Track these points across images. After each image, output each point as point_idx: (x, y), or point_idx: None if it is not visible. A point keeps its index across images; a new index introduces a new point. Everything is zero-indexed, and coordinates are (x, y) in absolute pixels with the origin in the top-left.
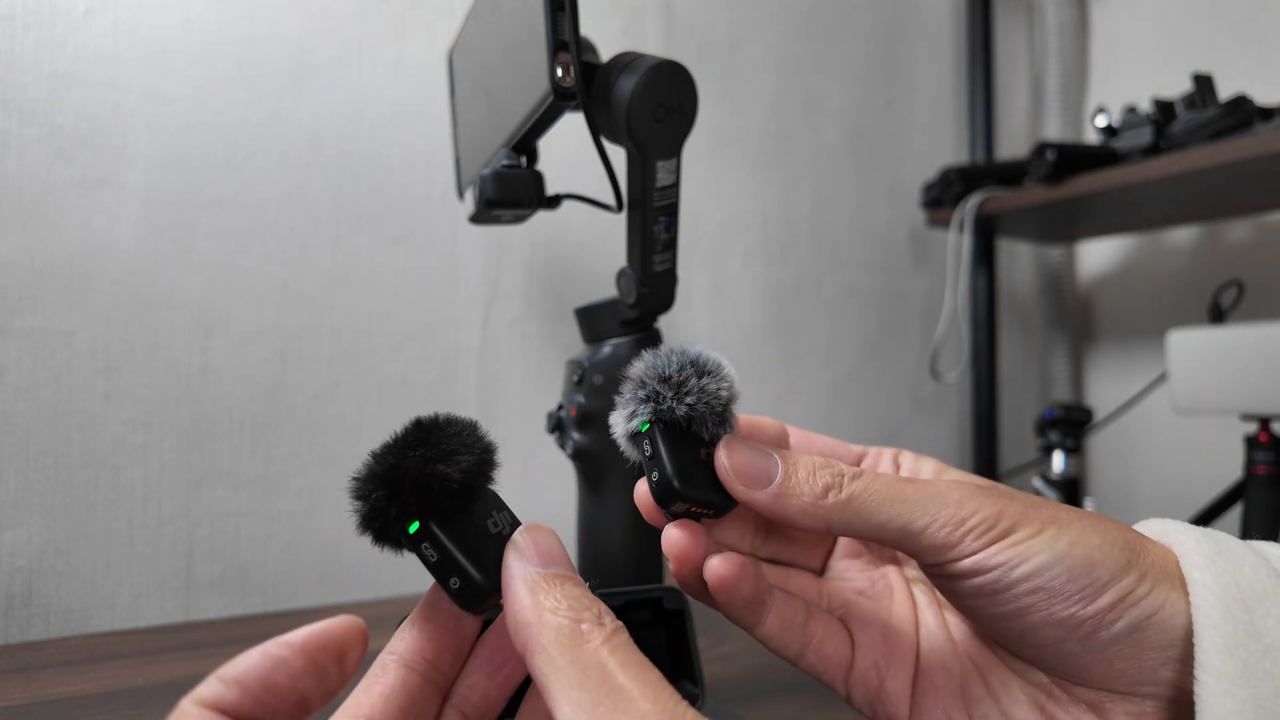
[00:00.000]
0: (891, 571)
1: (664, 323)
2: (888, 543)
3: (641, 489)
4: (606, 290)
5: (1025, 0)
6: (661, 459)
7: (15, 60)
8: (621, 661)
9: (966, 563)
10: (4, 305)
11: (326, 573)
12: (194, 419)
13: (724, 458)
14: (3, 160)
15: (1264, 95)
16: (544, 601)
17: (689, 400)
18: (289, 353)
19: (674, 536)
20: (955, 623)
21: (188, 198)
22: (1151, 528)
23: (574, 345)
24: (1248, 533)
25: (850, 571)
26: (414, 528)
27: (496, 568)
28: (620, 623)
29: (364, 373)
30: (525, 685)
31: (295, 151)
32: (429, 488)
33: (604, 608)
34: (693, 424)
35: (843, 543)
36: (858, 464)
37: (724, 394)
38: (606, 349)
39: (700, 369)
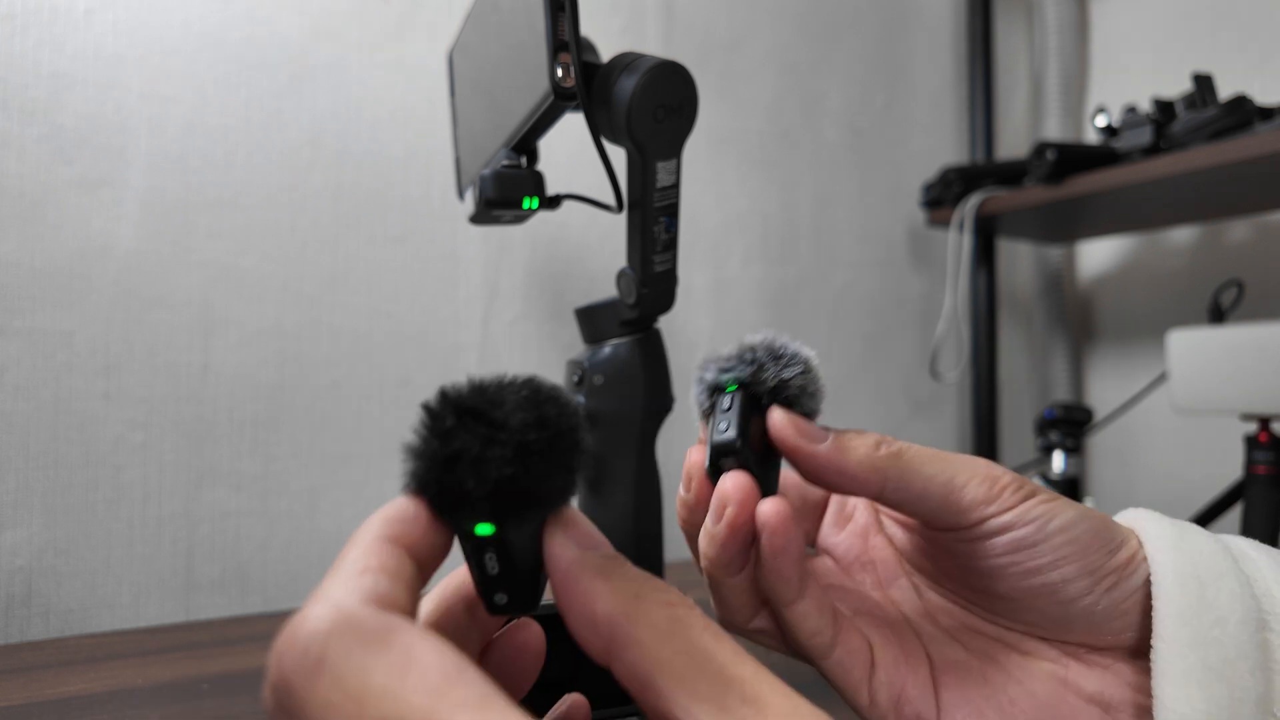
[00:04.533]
0: (869, 584)
1: (664, 323)
2: (930, 501)
3: (695, 452)
4: (606, 290)
5: None
6: (733, 417)
7: (15, 60)
8: (733, 652)
9: (1008, 516)
10: (4, 305)
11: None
12: (194, 419)
13: (780, 417)
14: (3, 160)
15: (1264, 95)
16: (624, 588)
17: (786, 375)
18: (289, 353)
19: (734, 481)
20: (953, 623)
21: (188, 198)
22: (1127, 517)
23: (574, 345)
24: (1248, 532)
25: (834, 579)
26: (486, 530)
27: (542, 582)
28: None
29: (364, 373)
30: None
31: (295, 151)
32: (537, 500)
33: (674, 588)
34: (763, 399)
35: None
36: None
37: (813, 399)
38: (606, 349)
39: (805, 374)
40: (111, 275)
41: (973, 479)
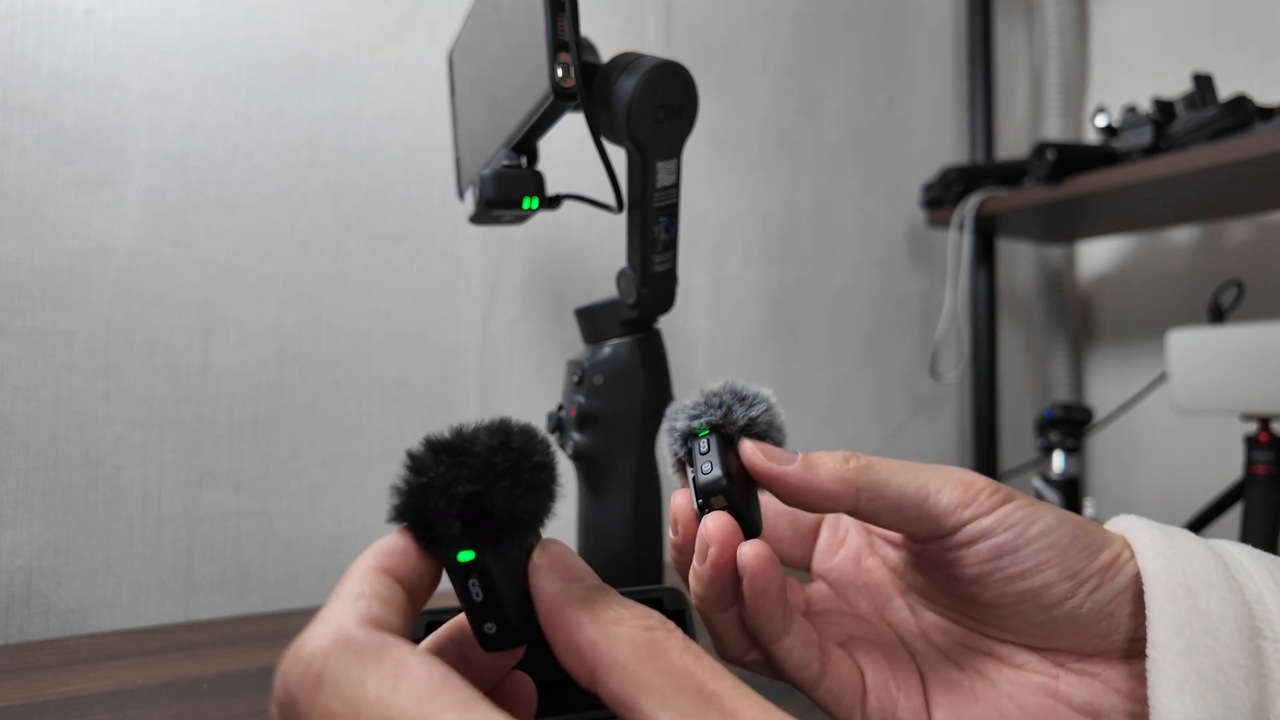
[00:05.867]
0: (864, 606)
1: (664, 323)
2: (905, 511)
3: (680, 495)
4: (606, 290)
5: None
6: (714, 459)
7: (15, 60)
8: (711, 669)
9: (986, 521)
10: (4, 305)
11: (326, 573)
12: (194, 419)
13: (750, 447)
14: (3, 160)
15: (1264, 95)
16: (604, 615)
17: (753, 413)
18: (289, 353)
19: (715, 522)
20: (946, 640)
21: (188, 198)
22: (1118, 523)
23: (574, 345)
24: (1248, 532)
25: (829, 604)
26: (467, 556)
27: (532, 613)
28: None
29: (364, 373)
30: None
31: (295, 151)
32: (508, 520)
33: (655, 611)
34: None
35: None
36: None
37: (780, 431)
38: (606, 349)
39: (769, 411)
40: (111, 275)
41: (946, 484)
